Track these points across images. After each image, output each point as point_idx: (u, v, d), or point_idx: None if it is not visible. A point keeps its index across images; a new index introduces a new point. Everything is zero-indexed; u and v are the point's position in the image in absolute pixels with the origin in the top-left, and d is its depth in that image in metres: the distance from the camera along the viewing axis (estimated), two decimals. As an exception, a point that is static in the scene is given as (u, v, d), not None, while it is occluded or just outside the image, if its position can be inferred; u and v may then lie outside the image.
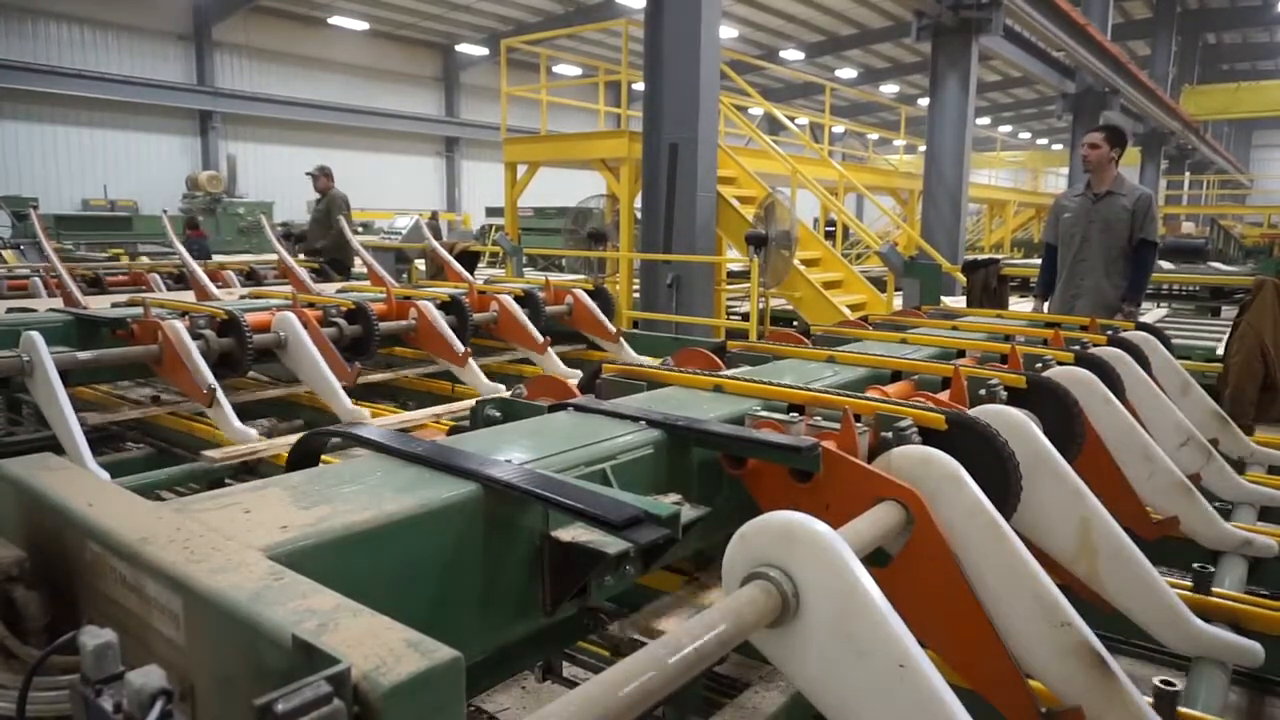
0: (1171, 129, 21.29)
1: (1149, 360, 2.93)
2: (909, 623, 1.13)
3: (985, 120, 32.70)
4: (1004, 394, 2.17)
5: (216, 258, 9.58)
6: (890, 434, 1.72)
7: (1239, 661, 1.80)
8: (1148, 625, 1.80)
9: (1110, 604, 1.81)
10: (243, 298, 4.90)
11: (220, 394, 3.19)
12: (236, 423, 3.13)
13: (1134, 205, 4.71)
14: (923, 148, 12.45)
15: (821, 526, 1.17)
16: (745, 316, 7.83)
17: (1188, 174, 26.55)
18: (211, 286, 5.10)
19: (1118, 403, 2.35)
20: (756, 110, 12.73)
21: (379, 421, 3.36)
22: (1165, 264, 8.68)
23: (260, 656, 0.83)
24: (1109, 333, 3.26)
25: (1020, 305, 7.26)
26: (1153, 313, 7.95)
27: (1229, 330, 4.98)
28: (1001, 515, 1.54)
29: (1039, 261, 5.45)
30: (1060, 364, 2.53)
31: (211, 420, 3.25)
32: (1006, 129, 36.07)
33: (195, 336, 3.38)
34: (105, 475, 2.75)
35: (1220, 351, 5.46)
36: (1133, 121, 18.55)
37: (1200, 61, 25.84)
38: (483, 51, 25.33)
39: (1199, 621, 1.80)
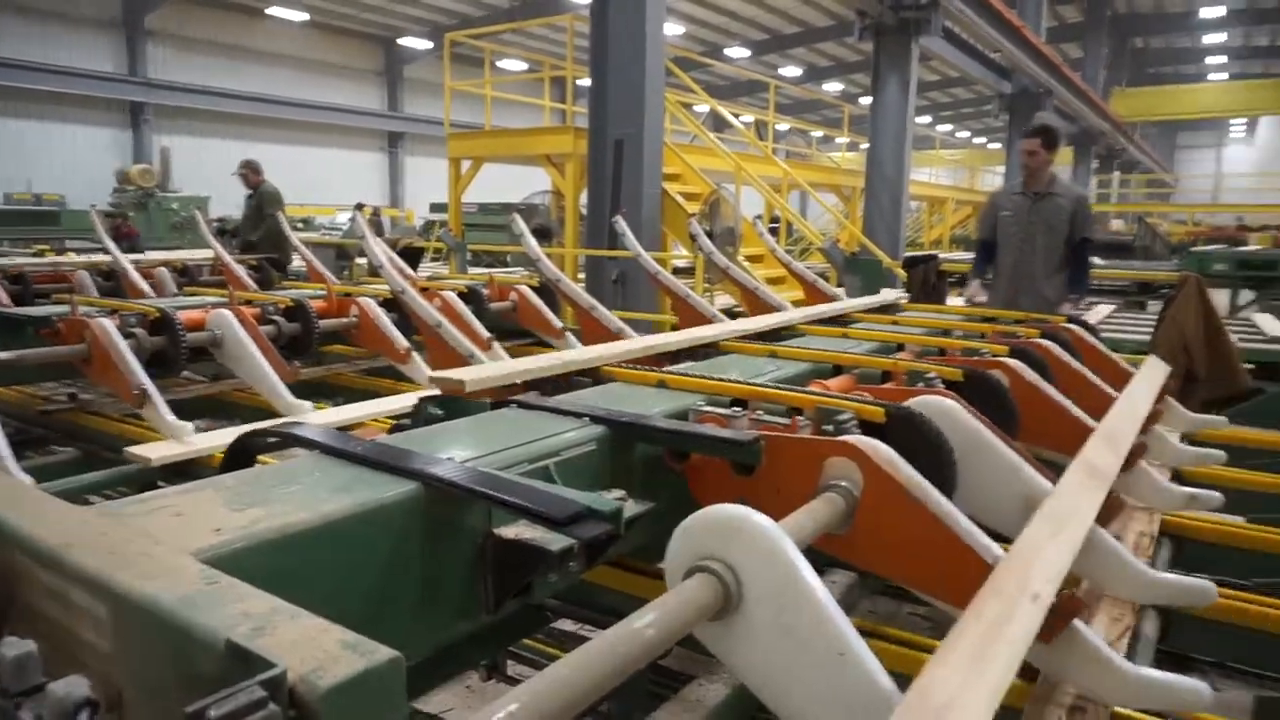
0: (1102, 129, 21.99)
1: (1079, 352, 3.02)
2: (894, 575, 1.11)
3: (925, 119, 33.33)
4: (941, 386, 2.21)
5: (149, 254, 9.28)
6: (832, 427, 1.75)
7: (1192, 602, 1.83)
8: (1105, 583, 1.84)
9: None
10: (176, 295, 4.76)
11: (152, 389, 3.09)
12: (170, 417, 3.03)
13: (1073, 206, 4.81)
14: (865, 145, 12.65)
15: (762, 518, 1.18)
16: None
17: (1117, 173, 27.42)
18: (144, 284, 4.95)
19: (1050, 388, 2.43)
20: (702, 107, 12.81)
21: (317, 417, 3.30)
22: (1095, 259, 8.87)
23: (192, 662, 0.81)
24: (1042, 326, 3.36)
25: (957, 300, 7.42)
26: (1098, 308, 8.06)
27: (1155, 323, 5.15)
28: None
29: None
30: (996, 355, 2.60)
31: (143, 420, 3.15)
32: (946, 128, 36.85)
33: (126, 335, 3.28)
34: (28, 480, 2.65)
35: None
36: (1066, 122, 19.10)
37: (1129, 65, 26.74)
38: (426, 45, 24.96)
39: (1151, 571, 1.84)
